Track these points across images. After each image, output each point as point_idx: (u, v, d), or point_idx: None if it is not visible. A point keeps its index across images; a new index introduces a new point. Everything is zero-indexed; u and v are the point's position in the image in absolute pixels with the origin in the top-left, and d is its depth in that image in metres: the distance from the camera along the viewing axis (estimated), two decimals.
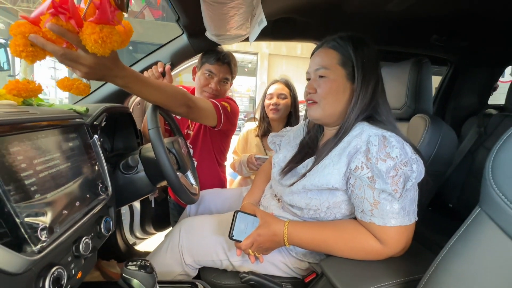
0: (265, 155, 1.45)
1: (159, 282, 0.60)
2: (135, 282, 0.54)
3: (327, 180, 0.65)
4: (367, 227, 0.62)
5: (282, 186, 0.78)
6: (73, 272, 0.49)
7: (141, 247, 1.41)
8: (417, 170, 0.57)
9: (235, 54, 1.31)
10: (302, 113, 1.52)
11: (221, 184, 1.40)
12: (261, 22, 0.77)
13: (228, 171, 1.58)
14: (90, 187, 0.56)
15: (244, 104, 10.62)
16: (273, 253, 0.76)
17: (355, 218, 0.66)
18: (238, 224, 0.73)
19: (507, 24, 1.08)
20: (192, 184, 0.97)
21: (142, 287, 0.54)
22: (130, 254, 1.26)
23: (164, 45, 1.17)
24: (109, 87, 1.10)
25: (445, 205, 1.44)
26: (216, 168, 1.37)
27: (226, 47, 1.27)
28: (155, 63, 1.13)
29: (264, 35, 0.87)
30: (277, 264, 0.78)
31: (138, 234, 1.38)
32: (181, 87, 1.34)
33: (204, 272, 0.84)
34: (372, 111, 0.70)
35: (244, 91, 10.52)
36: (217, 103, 1.08)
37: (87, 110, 0.72)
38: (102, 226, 0.59)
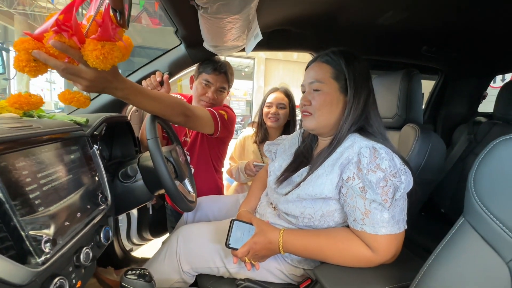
0: (262, 162, 1.47)
1: None
2: None
3: (320, 190, 0.67)
4: (359, 235, 0.64)
5: (278, 195, 0.80)
6: (74, 282, 0.50)
7: (138, 253, 1.42)
8: (405, 181, 0.60)
9: (232, 58, 1.34)
10: (299, 117, 1.53)
11: (218, 190, 1.41)
12: (257, 36, 0.80)
13: (225, 176, 1.60)
14: (91, 198, 0.58)
15: (241, 108, 10.66)
16: (269, 260, 0.78)
17: (348, 226, 0.69)
18: (235, 232, 0.75)
19: (494, 36, 1.13)
20: (189, 192, 0.99)
21: None
22: (127, 261, 1.27)
23: (163, 55, 1.20)
24: (108, 96, 1.11)
25: (438, 210, 1.47)
26: (213, 174, 1.38)
27: None
28: (154, 72, 1.15)
29: (260, 45, 0.90)
30: (273, 271, 0.80)
31: (135, 240, 1.39)
32: (178, 95, 1.37)
33: (201, 279, 0.86)
34: (364, 122, 0.73)
35: (241, 95, 10.57)
36: (214, 112, 1.10)
37: (87, 121, 0.74)
38: (101, 235, 0.60)
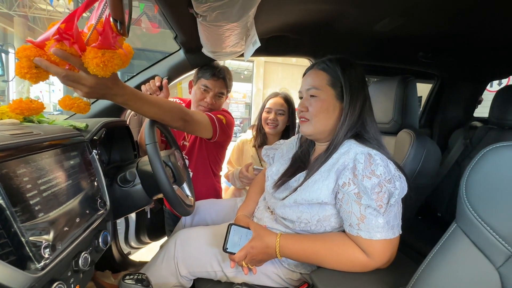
0: (261, 166, 1.47)
1: None
2: None
3: (317, 195, 0.68)
4: (355, 240, 0.65)
5: (275, 199, 0.81)
6: (72, 286, 0.51)
7: (135, 256, 1.41)
8: (399, 187, 0.61)
9: (231, 61, 1.36)
10: (298, 120, 1.53)
11: (216, 194, 1.42)
12: (255, 42, 0.82)
13: (224, 179, 1.60)
14: (90, 203, 0.59)
15: (240, 111, 10.68)
16: (266, 264, 0.79)
17: (344, 231, 0.70)
18: (232, 236, 0.75)
19: (490, 41, 1.14)
20: (187, 196, 0.99)
21: None
22: (124, 264, 1.27)
23: (162, 60, 1.21)
24: (107, 101, 1.12)
25: (434, 214, 1.48)
26: (211, 178, 1.39)
27: None
28: (153, 77, 1.16)
29: (259, 51, 0.92)
30: (270, 275, 0.80)
31: (133, 244, 1.39)
32: (177, 100, 1.38)
33: (198, 283, 0.86)
34: (360, 128, 0.74)
35: (240, 97, 10.60)
36: (213, 116, 1.12)
37: (87, 126, 0.75)
38: (100, 240, 0.61)
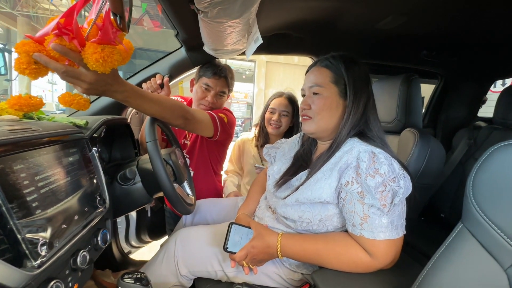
0: (262, 165, 1.46)
1: None
2: None
3: (319, 194, 0.67)
4: (358, 240, 0.64)
5: (277, 198, 0.80)
6: (70, 285, 0.50)
7: (136, 255, 1.41)
8: (404, 186, 0.60)
9: (233, 61, 1.34)
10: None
11: (217, 193, 1.41)
12: (257, 40, 0.81)
13: (225, 176, 1.60)
14: (89, 200, 0.58)
15: (241, 110, 10.69)
16: (267, 264, 0.78)
17: (346, 231, 0.68)
18: (233, 236, 0.74)
19: (494, 40, 1.13)
20: (188, 195, 0.99)
21: None
22: (125, 263, 1.26)
23: (163, 58, 1.20)
24: (108, 98, 1.12)
25: (438, 215, 1.46)
26: (212, 177, 1.38)
27: None
28: (154, 75, 1.15)
29: (260, 49, 0.91)
30: (271, 275, 0.79)
31: (134, 243, 1.38)
32: (179, 98, 1.37)
33: (198, 283, 0.85)
34: (363, 126, 0.73)
35: (242, 97, 10.60)
36: (214, 115, 1.11)
37: (87, 123, 0.74)
38: (99, 238, 0.60)
